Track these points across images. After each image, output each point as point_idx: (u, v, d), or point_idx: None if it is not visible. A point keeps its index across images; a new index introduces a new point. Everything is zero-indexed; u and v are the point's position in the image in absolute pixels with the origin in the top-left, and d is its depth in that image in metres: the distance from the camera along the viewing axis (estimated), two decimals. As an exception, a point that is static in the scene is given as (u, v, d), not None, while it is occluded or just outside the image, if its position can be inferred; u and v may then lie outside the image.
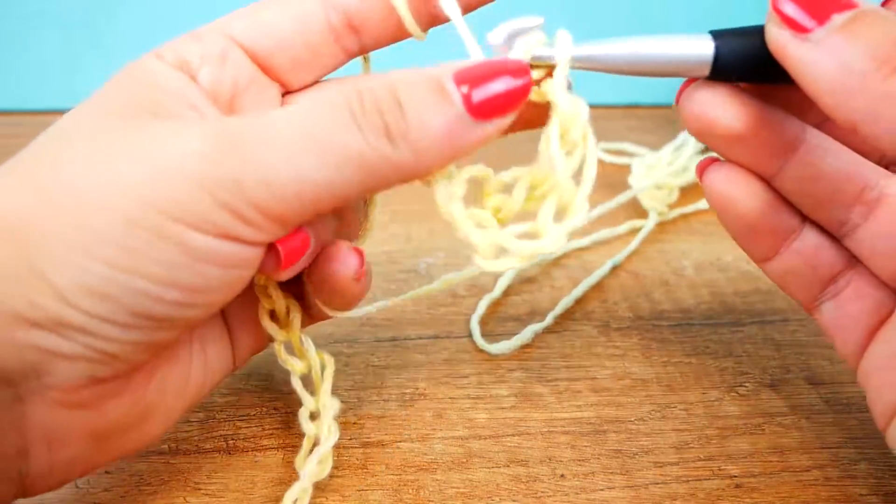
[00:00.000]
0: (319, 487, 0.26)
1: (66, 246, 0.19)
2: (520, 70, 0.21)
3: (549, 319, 0.34)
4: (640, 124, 0.59)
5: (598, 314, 0.36)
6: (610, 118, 0.59)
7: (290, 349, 0.27)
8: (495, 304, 0.36)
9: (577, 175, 0.22)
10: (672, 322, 0.35)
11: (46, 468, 0.21)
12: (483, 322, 0.34)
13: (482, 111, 0.21)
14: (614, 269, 0.39)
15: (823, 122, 0.24)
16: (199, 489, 0.26)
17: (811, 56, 0.20)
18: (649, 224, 0.43)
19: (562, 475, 0.27)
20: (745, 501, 0.26)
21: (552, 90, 0.22)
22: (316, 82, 0.26)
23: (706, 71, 0.22)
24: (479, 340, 0.33)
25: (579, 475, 0.27)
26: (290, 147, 0.20)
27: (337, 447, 0.27)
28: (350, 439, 0.28)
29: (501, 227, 0.23)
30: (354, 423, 0.29)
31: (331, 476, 0.26)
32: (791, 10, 0.20)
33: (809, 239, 0.25)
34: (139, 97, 0.22)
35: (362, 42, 0.25)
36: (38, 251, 0.19)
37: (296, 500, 0.25)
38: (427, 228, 0.41)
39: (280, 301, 0.26)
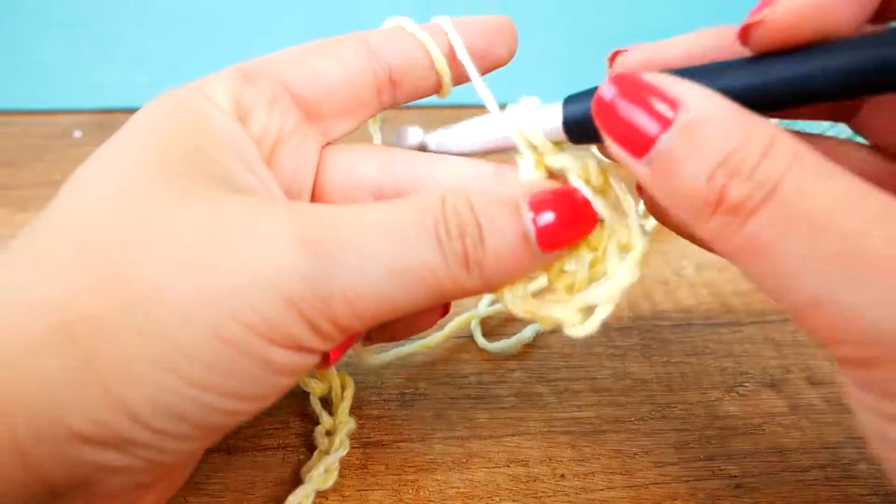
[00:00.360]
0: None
1: (143, 361, 0.18)
2: (586, 205, 0.22)
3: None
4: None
5: (598, 314, 0.36)
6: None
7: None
8: (494, 304, 0.36)
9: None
10: (672, 322, 0.35)
11: None
12: (482, 322, 0.34)
13: (550, 243, 0.21)
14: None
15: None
16: (199, 489, 0.26)
17: (650, 182, 0.19)
18: (647, 227, 0.43)
19: (562, 475, 0.27)
20: (745, 501, 0.26)
21: (558, 161, 0.23)
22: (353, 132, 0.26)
23: (562, 136, 0.23)
24: (480, 339, 0.33)
25: (579, 475, 0.27)
26: (378, 270, 0.19)
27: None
28: (350, 439, 0.28)
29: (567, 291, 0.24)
30: (354, 424, 0.29)
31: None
32: (614, 142, 0.19)
33: None
34: (198, 155, 0.21)
35: (397, 96, 0.26)
36: (109, 362, 0.17)
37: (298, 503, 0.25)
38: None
39: None
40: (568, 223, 0.21)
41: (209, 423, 0.19)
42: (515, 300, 0.22)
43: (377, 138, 0.28)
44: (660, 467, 0.27)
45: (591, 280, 0.23)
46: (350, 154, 0.25)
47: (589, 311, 0.22)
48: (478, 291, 0.22)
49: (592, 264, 0.23)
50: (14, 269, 0.19)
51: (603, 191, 0.23)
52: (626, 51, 0.23)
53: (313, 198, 0.25)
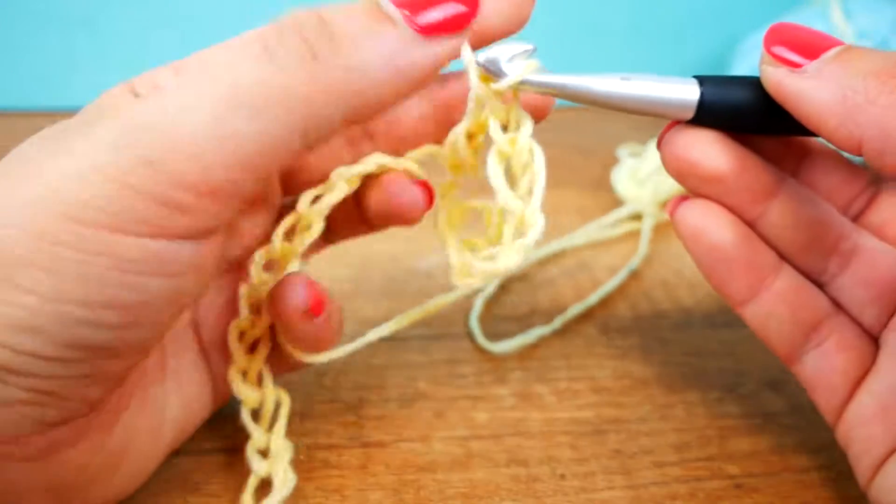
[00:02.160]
0: (320, 487, 0.26)
1: None
2: None
3: (557, 323, 0.34)
4: (640, 124, 0.59)
5: (598, 314, 0.36)
6: (610, 118, 0.59)
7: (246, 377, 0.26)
8: (494, 304, 0.36)
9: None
10: (672, 322, 0.35)
11: None
12: (482, 321, 0.34)
13: (427, 27, 0.19)
14: (615, 269, 0.39)
15: (797, 171, 0.24)
16: (199, 489, 0.26)
17: (810, 84, 0.20)
18: (646, 227, 0.43)
19: (562, 475, 0.27)
20: (745, 501, 0.26)
21: (490, 127, 0.23)
22: None
23: (689, 115, 0.22)
24: (481, 339, 0.33)
25: (579, 475, 0.27)
26: (202, 101, 0.17)
27: (337, 447, 0.27)
28: (350, 439, 0.28)
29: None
30: (354, 423, 0.29)
31: (331, 476, 0.26)
32: (783, 52, 0.20)
33: (790, 279, 0.24)
34: (84, 118, 0.20)
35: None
36: None
37: None
38: (428, 227, 0.41)
39: (254, 328, 0.26)
40: (441, 7, 0.19)
41: (81, 339, 0.17)
42: (443, 217, 0.25)
43: None
44: (660, 467, 0.27)
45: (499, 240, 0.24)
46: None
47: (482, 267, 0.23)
48: (360, 93, 0.19)
49: (499, 225, 0.25)
50: None
51: (521, 170, 0.22)
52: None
53: None
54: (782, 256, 0.24)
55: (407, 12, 0.19)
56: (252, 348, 0.26)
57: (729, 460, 0.27)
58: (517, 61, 0.22)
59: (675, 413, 0.30)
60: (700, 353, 0.33)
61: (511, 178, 0.22)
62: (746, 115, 0.22)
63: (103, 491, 0.21)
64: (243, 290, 0.26)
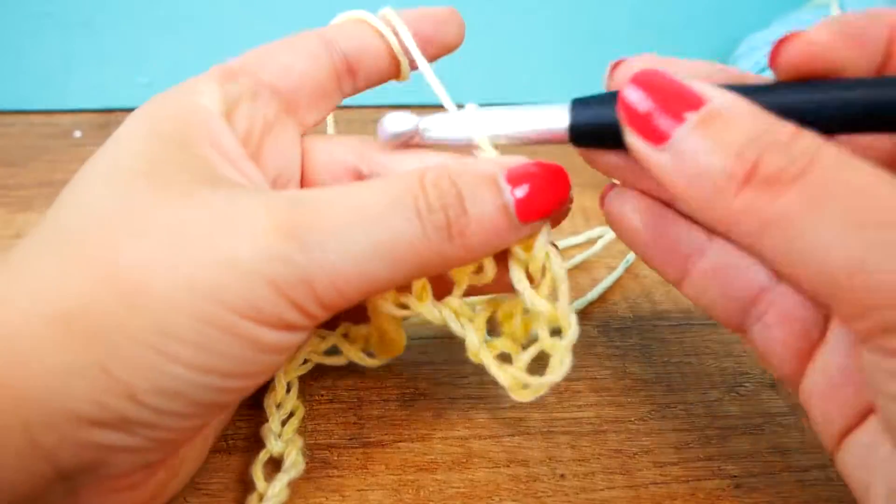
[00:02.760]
0: (320, 488, 0.26)
1: (139, 345, 0.19)
2: (561, 174, 0.23)
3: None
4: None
5: (598, 314, 0.36)
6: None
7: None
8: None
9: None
10: (672, 322, 0.35)
11: None
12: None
13: (528, 213, 0.22)
14: (613, 269, 0.39)
15: None
16: (199, 489, 0.26)
17: (668, 167, 0.19)
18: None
19: (562, 475, 0.27)
20: (745, 501, 0.26)
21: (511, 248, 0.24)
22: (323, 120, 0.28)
23: (565, 138, 0.23)
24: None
25: (579, 475, 0.27)
26: (355, 244, 0.20)
27: (337, 447, 0.27)
28: (350, 439, 0.28)
29: (522, 345, 0.26)
30: (354, 423, 0.29)
31: (331, 476, 0.26)
32: (639, 105, 0.20)
33: (717, 257, 0.23)
34: (182, 152, 0.22)
35: (356, 84, 0.27)
36: (108, 349, 0.19)
37: None
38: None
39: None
40: (543, 193, 0.22)
41: (206, 400, 0.20)
42: (475, 341, 0.25)
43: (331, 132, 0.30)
44: (660, 467, 0.27)
45: (525, 330, 0.26)
46: (328, 142, 0.27)
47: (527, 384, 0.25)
48: (459, 263, 0.22)
49: (525, 323, 0.26)
50: (17, 267, 0.20)
51: (538, 274, 0.24)
52: (626, 61, 0.23)
53: (301, 187, 0.27)
54: (708, 309, 0.24)
55: (519, 195, 0.22)
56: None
57: (729, 460, 0.27)
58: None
59: (675, 413, 0.30)
60: (700, 353, 0.33)
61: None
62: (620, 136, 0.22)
63: (166, 496, 0.24)
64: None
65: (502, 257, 0.24)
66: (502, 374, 0.24)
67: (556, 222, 0.25)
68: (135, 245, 0.19)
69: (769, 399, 0.30)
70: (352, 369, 0.31)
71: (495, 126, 0.24)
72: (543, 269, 0.24)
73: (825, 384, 0.22)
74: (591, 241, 0.41)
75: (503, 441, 0.28)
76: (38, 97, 0.57)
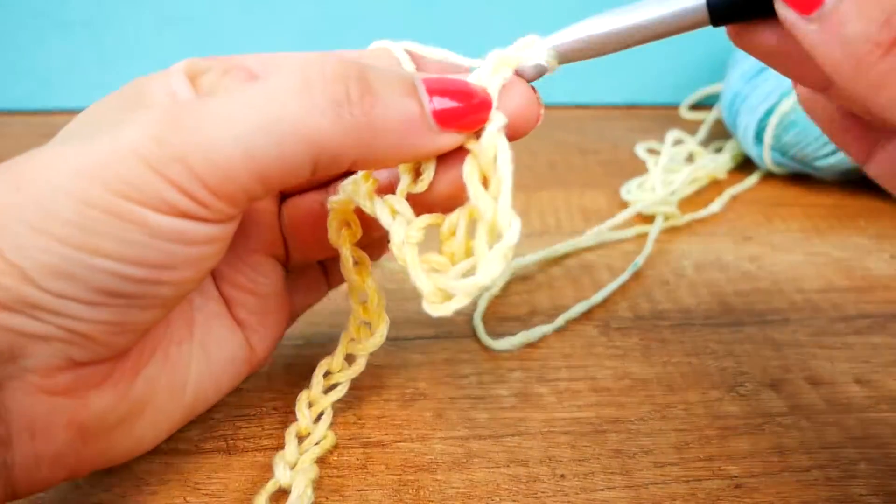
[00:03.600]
0: (320, 487, 0.26)
1: (24, 226, 0.19)
2: (485, 100, 0.22)
3: (560, 321, 0.34)
4: (640, 124, 0.59)
5: (598, 314, 0.36)
6: (610, 118, 0.59)
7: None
8: (495, 304, 0.36)
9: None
10: (672, 322, 0.35)
11: (32, 460, 0.21)
12: (483, 321, 0.34)
13: (444, 119, 0.22)
14: (614, 269, 0.39)
15: None
16: (199, 489, 0.26)
17: (815, 38, 0.19)
18: (654, 230, 0.43)
19: (562, 475, 0.27)
20: (745, 501, 0.26)
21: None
22: None
23: (706, 21, 0.21)
24: (484, 337, 0.33)
25: (579, 475, 0.27)
26: (234, 119, 0.20)
27: (337, 447, 0.27)
28: (350, 439, 0.28)
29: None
30: (354, 423, 0.29)
31: (331, 476, 0.26)
32: None
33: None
34: (132, 99, 0.23)
35: None
36: (3, 234, 0.19)
37: None
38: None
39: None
40: (463, 111, 0.22)
41: (111, 287, 0.20)
42: (401, 236, 0.22)
43: None
44: (660, 467, 0.27)
45: (468, 253, 0.23)
46: None
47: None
48: (371, 148, 0.21)
49: (467, 238, 0.23)
50: None
51: (489, 173, 0.22)
52: None
53: None
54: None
55: (434, 103, 0.22)
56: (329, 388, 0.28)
57: (729, 460, 0.27)
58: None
59: (675, 413, 0.30)
60: (700, 353, 0.33)
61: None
62: (761, 4, 0.20)
63: (123, 440, 0.23)
64: (344, 335, 0.28)
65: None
66: (425, 279, 0.22)
67: (522, 129, 0.23)
68: (46, 149, 0.21)
69: (769, 399, 0.30)
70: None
71: (621, 19, 0.22)
72: (495, 165, 0.22)
73: None
74: (601, 244, 0.41)
75: (503, 441, 0.28)
76: (38, 97, 0.57)
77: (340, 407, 0.29)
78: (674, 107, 0.61)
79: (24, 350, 0.20)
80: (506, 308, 0.36)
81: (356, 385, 0.30)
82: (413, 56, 0.26)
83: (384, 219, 0.23)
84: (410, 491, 0.26)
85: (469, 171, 0.22)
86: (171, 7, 0.55)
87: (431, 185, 0.23)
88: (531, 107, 0.23)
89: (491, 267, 0.21)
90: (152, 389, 0.24)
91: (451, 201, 0.23)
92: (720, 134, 0.55)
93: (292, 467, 0.26)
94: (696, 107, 0.61)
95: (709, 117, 0.56)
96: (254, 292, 0.27)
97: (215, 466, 0.27)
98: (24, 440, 0.21)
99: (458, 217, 0.23)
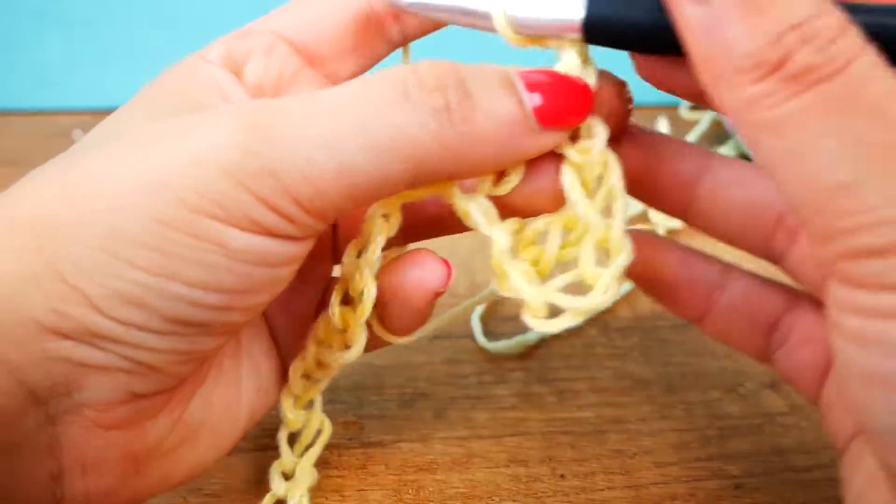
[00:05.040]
0: (320, 487, 0.26)
1: (95, 250, 0.18)
2: (584, 88, 0.20)
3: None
4: (640, 124, 0.59)
5: (599, 314, 0.36)
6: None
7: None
8: (495, 304, 0.36)
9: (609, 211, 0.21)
10: (672, 322, 0.35)
11: (82, 496, 0.20)
12: (482, 321, 0.34)
13: (548, 117, 0.19)
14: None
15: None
16: (199, 489, 0.26)
17: (699, 26, 0.17)
18: (659, 232, 0.42)
19: (562, 475, 0.27)
20: (745, 501, 0.26)
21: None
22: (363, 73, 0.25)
23: (577, 34, 0.20)
24: (481, 339, 0.33)
25: (579, 475, 0.27)
26: (328, 130, 0.18)
27: (337, 447, 0.27)
28: (350, 439, 0.28)
29: (541, 280, 0.21)
30: (354, 423, 0.29)
31: (331, 476, 0.26)
32: None
33: (736, 289, 0.23)
34: (177, 97, 0.21)
35: (405, 31, 0.25)
36: (63, 254, 0.18)
37: None
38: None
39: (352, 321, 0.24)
40: (565, 105, 0.20)
41: (183, 315, 0.19)
42: (503, 241, 0.20)
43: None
44: (660, 467, 0.27)
45: (558, 261, 0.21)
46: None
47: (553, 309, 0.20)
48: (470, 160, 0.19)
49: (563, 246, 0.21)
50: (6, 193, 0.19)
51: (594, 185, 0.21)
52: None
53: None
54: (726, 242, 0.23)
55: (537, 100, 0.19)
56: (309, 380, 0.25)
57: (729, 460, 0.27)
58: None
59: (675, 413, 0.30)
60: (700, 353, 0.33)
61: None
62: (642, 34, 0.19)
63: (178, 465, 0.22)
64: (312, 335, 0.24)
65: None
66: (530, 291, 0.20)
67: (616, 128, 0.21)
68: (97, 155, 0.19)
69: (769, 399, 0.30)
70: (352, 369, 0.31)
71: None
72: (600, 180, 0.20)
73: (835, 393, 0.22)
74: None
75: (503, 441, 0.28)
76: (38, 97, 0.57)
77: (341, 407, 0.29)
78: (674, 107, 0.61)
79: (81, 382, 0.18)
80: (505, 308, 0.36)
81: (356, 385, 0.30)
82: None
83: (479, 221, 0.21)
84: (410, 491, 0.26)
85: (571, 181, 0.20)
86: (172, 7, 0.55)
87: (515, 188, 0.21)
88: (627, 105, 0.22)
89: (609, 290, 0.20)
90: (208, 408, 0.22)
91: (530, 208, 0.21)
92: (719, 134, 0.55)
93: (290, 475, 0.25)
94: (697, 107, 0.61)
95: (708, 117, 0.56)
96: (288, 308, 0.26)
97: (215, 466, 0.26)
98: (76, 475, 0.19)
99: (546, 226, 0.21)
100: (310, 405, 0.26)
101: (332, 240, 0.26)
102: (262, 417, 0.25)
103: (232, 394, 0.23)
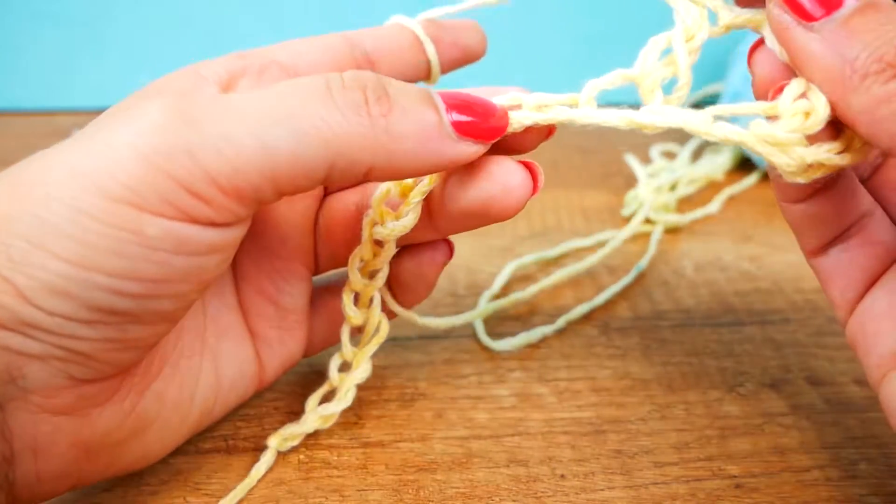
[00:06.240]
0: (320, 487, 0.26)
1: (24, 241, 0.18)
2: (503, 115, 0.22)
3: (560, 322, 0.34)
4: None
5: (598, 314, 0.36)
6: (610, 118, 0.59)
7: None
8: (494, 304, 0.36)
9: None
10: (672, 322, 0.35)
11: (33, 477, 0.20)
12: (483, 321, 0.34)
13: (462, 128, 0.21)
14: (613, 269, 0.39)
15: None
16: (199, 489, 0.26)
17: (813, 47, 0.19)
18: (657, 231, 0.42)
19: (562, 475, 0.27)
20: (745, 501, 0.26)
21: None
22: None
23: None
24: (483, 337, 0.33)
25: (579, 475, 0.27)
26: (251, 115, 0.19)
27: (337, 447, 0.28)
28: (350, 439, 0.28)
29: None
30: (354, 423, 0.29)
31: (331, 476, 0.26)
32: None
33: (842, 183, 0.23)
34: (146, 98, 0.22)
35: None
36: (0, 247, 0.18)
37: (285, 438, 0.27)
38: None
39: (376, 258, 0.26)
40: (481, 117, 0.21)
41: (106, 305, 0.19)
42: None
43: None
44: (660, 467, 0.27)
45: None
46: None
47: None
48: (389, 157, 0.20)
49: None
50: None
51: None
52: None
53: None
54: None
55: (453, 113, 0.21)
56: (371, 276, 0.27)
57: (729, 460, 0.27)
58: None
59: (675, 413, 0.30)
60: (700, 353, 0.33)
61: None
62: None
63: (127, 455, 0.23)
64: (367, 219, 0.25)
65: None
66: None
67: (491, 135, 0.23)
68: (47, 152, 0.19)
69: (769, 399, 0.30)
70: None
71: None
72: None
73: (887, 302, 0.22)
74: (601, 244, 0.41)
75: (503, 441, 0.28)
76: (38, 97, 0.57)
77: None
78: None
79: (22, 370, 0.19)
80: (506, 308, 0.36)
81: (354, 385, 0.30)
82: (431, 27, 0.27)
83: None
84: (410, 491, 0.26)
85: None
86: (172, 6, 0.55)
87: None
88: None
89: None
90: (160, 404, 0.23)
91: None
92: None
93: (347, 366, 0.27)
94: (697, 106, 0.61)
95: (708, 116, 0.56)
96: (276, 302, 0.27)
97: (215, 466, 0.27)
98: (27, 458, 0.20)
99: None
100: (370, 303, 0.27)
101: (314, 250, 0.27)
102: (226, 413, 0.26)
103: (185, 389, 0.24)
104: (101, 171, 0.18)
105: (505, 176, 0.22)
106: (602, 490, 0.26)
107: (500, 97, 0.23)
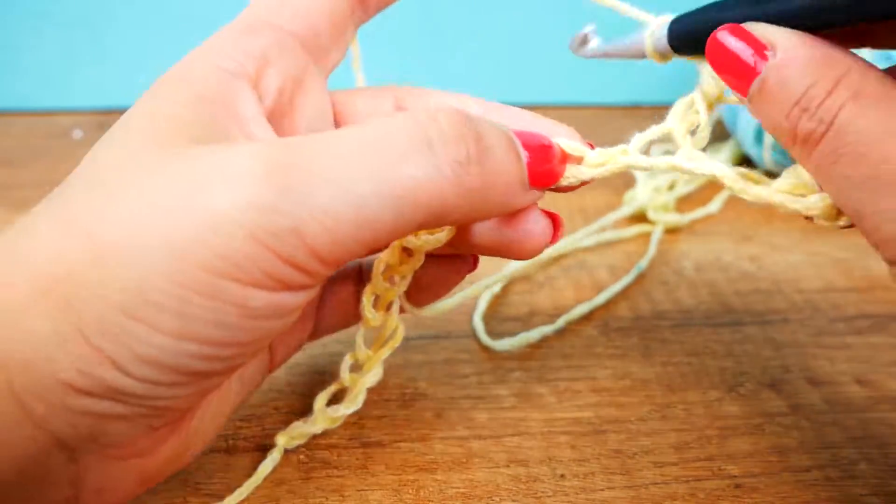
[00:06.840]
0: (320, 487, 0.26)
1: (115, 312, 0.18)
2: (564, 156, 0.23)
3: (560, 322, 0.34)
4: (640, 124, 0.59)
5: (598, 314, 0.36)
6: (610, 118, 0.59)
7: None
8: (494, 304, 0.36)
9: None
10: (672, 322, 0.35)
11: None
12: (483, 321, 0.34)
13: (537, 179, 0.21)
14: (613, 269, 0.39)
15: None
16: (199, 489, 0.26)
17: (753, 112, 0.21)
18: (657, 231, 0.42)
19: (562, 475, 0.27)
20: (745, 501, 0.26)
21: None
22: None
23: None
24: (484, 337, 0.33)
25: (579, 475, 0.27)
26: (348, 181, 0.18)
27: (337, 447, 0.28)
28: (350, 439, 0.28)
29: None
30: (354, 423, 0.29)
31: (331, 476, 0.26)
32: (728, 71, 0.21)
33: None
34: (191, 115, 0.21)
35: (368, 13, 0.26)
36: (87, 317, 0.18)
37: (293, 437, 0.27)
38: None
39: (402, 265, 0.26)
40: (545, 161, 0.22)
41: (197, 370, 0.19)
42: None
43: (358, 62, 0.28)
44: (660, 467, 0.27)
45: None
46: (364, 94, 0.26)
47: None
48: (481, 206, 0.20)
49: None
50: (16, 230, 0.19)
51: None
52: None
53: None
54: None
55: (529, 159, 0.21)
56: (391, 281, 0.26)
57: (729, 460, 0.27)
58: None
59: (675, 413, 0.30)
60: (700, 353, 0.33)
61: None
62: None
63: (174, 468, 0.23)
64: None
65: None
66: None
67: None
68: (114, 205, 0.18)
69: (769, 399, 0.31)
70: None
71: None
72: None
73: None
74: (601, 244, 0.41)
75: (503, 441, 0.28)
76: (38, 97, 0.57)
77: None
78: (674, 107, 0.61)
79: (105, 430, 0.19)
80: (506, 308, 0.36)
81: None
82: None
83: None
84: (410, 491, 0.26)
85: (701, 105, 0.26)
86: (172, 6, 0.55)
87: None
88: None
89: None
90: (203, 420, 0.23)
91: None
92: (720, 134, 0.55)
93: (358, 367, 0.27)
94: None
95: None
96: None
97: (215, 466, 0.27)
98: (91, 497, 0.20)
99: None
100: (388, 308, 0.27)
101: None
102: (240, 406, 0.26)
103: (222, 400, 0.24)
104: (205, 247, 0.18)
105: (528, 223, 0.23)
106: (602, 490, 0.26)
107: (563, 142, 0.23)
